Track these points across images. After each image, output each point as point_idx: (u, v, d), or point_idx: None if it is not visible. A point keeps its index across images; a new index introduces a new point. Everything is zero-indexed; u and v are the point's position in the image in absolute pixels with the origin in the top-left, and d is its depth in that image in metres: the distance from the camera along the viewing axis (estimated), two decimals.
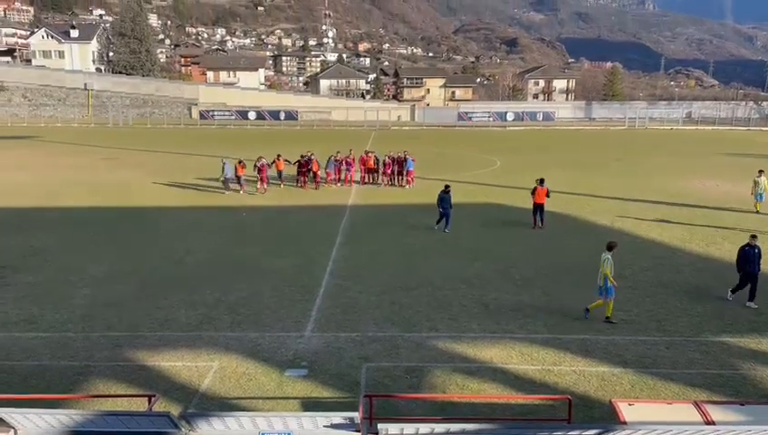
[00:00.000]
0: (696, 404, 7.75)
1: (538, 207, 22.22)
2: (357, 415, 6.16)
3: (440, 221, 21.55)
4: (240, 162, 29.27)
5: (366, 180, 32.04)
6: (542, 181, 22.43)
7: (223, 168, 29.07)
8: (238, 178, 28.97)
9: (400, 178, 31.21)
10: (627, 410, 7.49)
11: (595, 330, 13.16)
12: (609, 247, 13.86)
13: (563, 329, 13.22)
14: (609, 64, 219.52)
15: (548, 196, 22.35)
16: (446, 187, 21.67)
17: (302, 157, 30.76)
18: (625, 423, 7.12)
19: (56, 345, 12.23)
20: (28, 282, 16.09)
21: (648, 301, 15.01)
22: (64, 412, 6.21)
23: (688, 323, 13.63)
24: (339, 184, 31.18)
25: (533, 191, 22.27)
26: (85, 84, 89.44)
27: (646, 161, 42.78)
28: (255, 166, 29.20)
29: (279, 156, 31.04)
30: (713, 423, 7.18)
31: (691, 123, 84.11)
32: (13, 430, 6.15)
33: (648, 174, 36.43)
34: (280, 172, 30.78)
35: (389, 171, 31.25)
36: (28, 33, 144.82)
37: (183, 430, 6.14)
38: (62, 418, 6.13)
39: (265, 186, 29.12)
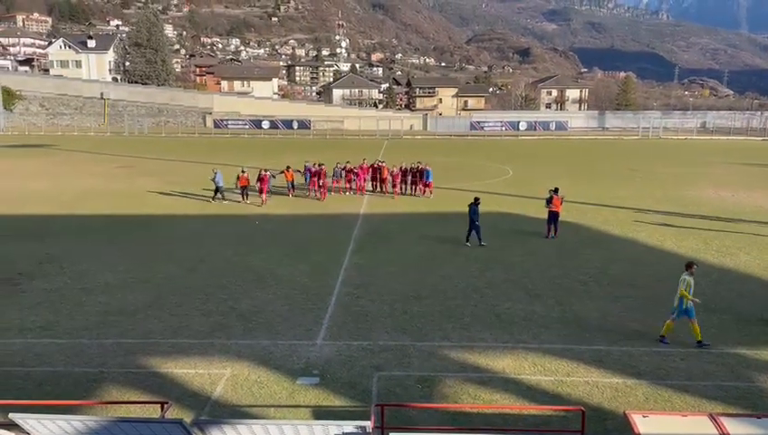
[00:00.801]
0: (712, 417, 7.64)
1: (553, 217, 22.12)
2: (368, 424, 6.14)
3: (469, 235, 21.07)
4: (243, 172, 29.17)
5: (376, 189, 31.99)
6: (556, 190, 22.36)
7: (215, 177, 28.95)
8: (243, 188, 28.88)
9: (414, 187, 30.99)
10: (641, 423, 7.40)
11: (608, 340, 13.05)
12: (688, 267, 13.26)
13: (577, 339, 13.12)
14: (622, 74, 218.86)
15: (561, 204, 22.24)
16: (476, 199, 21.28)
17: (306, 163, 30.80)
18: None
19: (71, 352, 12.33)
20: (44, 289, 16.25)
21: (662, 311, 14.83)
22: (78, 418, 6.25)
23: (704, 334, 13.44)
24: (348, 193, 31.14)
25: (549, 200, 22.18)
26: (101, 93, 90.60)
27: (660, 171, 42.50)
28: (258, 177, 28.84)
29: (288, 167, 31.01)
30: None
31: (706, 133, 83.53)
32: None
33: (663, 184, 36.18)
34: (291, 183, 30.77)
35: (398, 182, 30.95)
36: (46, 43, 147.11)
37: None
38: (77, 424, 6.17)
39: (265, 197, 28.56)
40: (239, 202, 28.73)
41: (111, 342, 12.83)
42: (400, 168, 31.21)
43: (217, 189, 29.08)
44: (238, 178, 29.09)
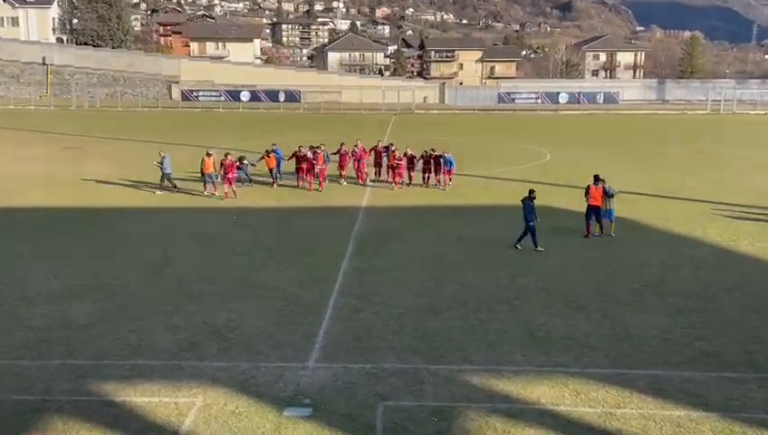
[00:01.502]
0: None
1: (593, 211, 22.10)
2: None
3: (523, 237, 20.81)
4: (209, 155, 28.71)
5: (379, 177, 31.97)
6: (596, 179, 22.30)
7: (161, 161, 28.86)
8: (208, 175, 28.37)
9: (427, 178, 30.70)
10: None
11: (669, 364, 13.05)
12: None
13: (629, 362, 13.12)
14: (687, 34, 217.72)
15: (608, 196, 22.15)
16: (531, 192, 20.95)
17: (299, 149, 30.44)
18: None
19: (7, 375, 12.40)
20: None
21: (735, 328, 14.84)
22: None
23: None
24: (344, 181, 31.23)
25: (587, 191, 22.17)
26: (44, 58, 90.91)
27: (734, 154, 42.36)
28: (222, 164, 28.04)
29: (268, 151, 30.94)
30: None
31: None
32: None
33: (738, 170, 36.07)
34: (271, 170, 30.82)
35: (403, 171, 30.63)
36: None
37: None
38: None
39: (234, 188, 27.94)
40: (202, 193, 28.66)
41: (57, 363, 12.90)
42: (405, 153, 30.87)
43: (164, 176, 29.08)
44: (203, 162, 28.61)
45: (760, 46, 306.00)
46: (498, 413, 11.24)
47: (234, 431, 10.67)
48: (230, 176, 27.76)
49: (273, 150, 31.11)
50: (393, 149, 31.19)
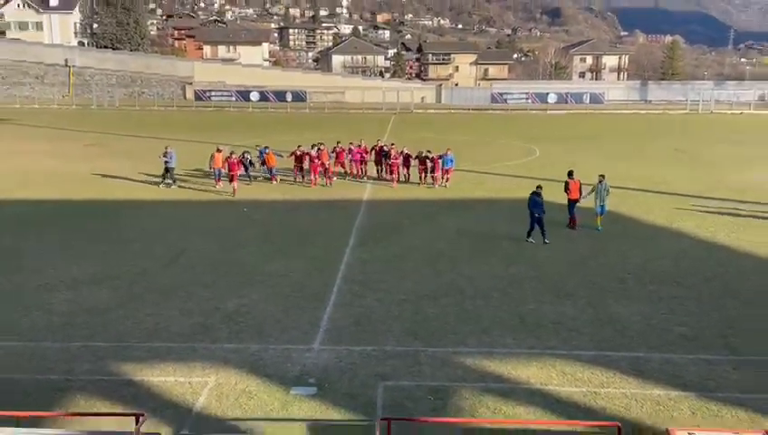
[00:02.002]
0: None
1: (571, 204, 22.15)
2: None
3: (532, 231, 20.49)
4: (219, 150, 28.60)
5: (381, 174, 31.53)
6: (571, 174, 22.40)
7: (165, 153, 28.63)
8: (217, 170, 28.34)
9: (424, 175, 29.74)
10: None
11: (650, 346, 13.07)
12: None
13: (612, 345, 13.14)
14: (668, 38, 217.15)
15: (605, 193, 22.10)
16: (539, 187, 20.59)
17: (298, 148, 30.07)
18: None
19: (33, 357, 12.44)
20: (1, 286, 16.37)
21: (712, 314, 14.85)
22: (42, 432, 6.33)
23: (761, 339, 13.45)
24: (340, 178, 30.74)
25: (567, 187, 22.15)
26: (66, 60, 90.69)
27: (711, 151, 42.31)
28: (226, 161, 27.70)
29: (268, 148, 30.53)
30: None
31: (765, 107, 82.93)
32: None
33: (714, 166, 36.03)
34: (271, 169, 30.26)
35: (396, 169, 30.02)
36: (1, 1, 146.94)
37: None
38: None
39: (236, 185, 27.30)
40: (214, 187, 28.54)
41: (79, 345, 12.94)
42: (401, 152, 30.47)
43: (167, 171, 28.79)
44: (212, 157, 28.65)
45: (736, 50, 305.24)
46: (490, 392, 11.27)
47: (244, 409, 10.70)
48: (234, 173, 27.24)
49: (267, 149, 30.59)
50: (389, 149, 30.96)
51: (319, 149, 29.82)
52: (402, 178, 30.27)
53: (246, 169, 29.31)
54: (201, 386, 11.38)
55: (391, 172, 30.13)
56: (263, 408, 10.74)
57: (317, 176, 29.54)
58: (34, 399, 10.76)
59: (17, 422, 7.66)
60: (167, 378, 11.66)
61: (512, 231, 21.39)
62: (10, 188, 28.39)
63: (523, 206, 21.04)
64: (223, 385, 11.44)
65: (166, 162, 28.69)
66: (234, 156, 27.74)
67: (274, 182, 29.98)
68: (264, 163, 30.54)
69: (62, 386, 11.33)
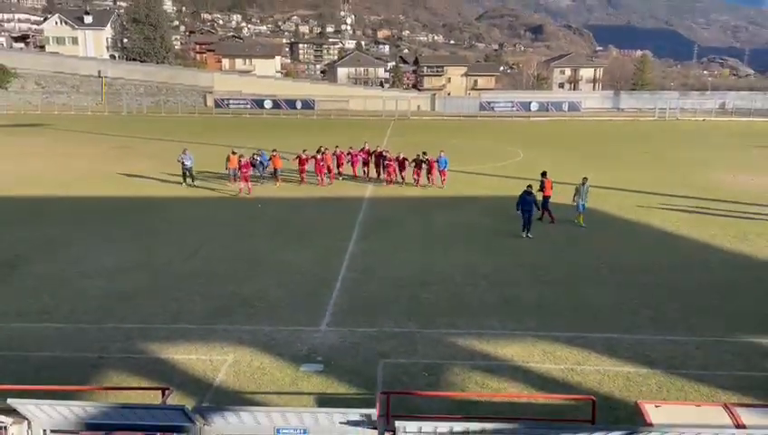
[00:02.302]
0: (726, 407, 7.68)
1: (548, 200, 22.29)
2: (374, 412, 6.20)
3: (527, 225, 20.32)
4: (234, 153, 28.49)
5: (380, 176, 30.72)
6: (545, 174, 22.65)
7: (183, 157, 28.39)
8: (233, 170, 28.07)
9: (418, 178, 28.82)
10: (653, 412, 7.44)
11: (621, 329, 13.08)
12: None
13: (588, 327, 13.16)
14: (638, 52, 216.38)
15: (584, 193, 22.10)
16: (529, 187, 20.47)
17: (304, 152, 29.45)
18: (651, 425, 7.07)
19: (70, 337, 12.46)
20: (41, 272, 16.38)
21: (677, 299, 14.86)
22: (78, 404, 6.33)
23: (720, 322, 13.47)
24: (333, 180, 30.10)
25: (542, 185, 22.24)
26: (99, 71, 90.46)
27: (676, 154, 42.25)
28: (239, 163, 27.47)
29: (275, 151, 30.17)
30: (743, 427, 7.11)
31: (725, 114, 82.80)
32: (26, 422, 6.28)
33: (679, 167, 35.98)
34: (275, 170, 29.29)
35: (393, 170, 29.57)
36: (41, 18, 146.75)
37: (197, 424, 6.23)
38: (77, 409, 6.25)
39: (249, 185, 27.08)
40: (230, 186, 28.33)
41: (111, 326, 12.95)
42: (397, 157, 29.51)
43: (186, 171, 28.59)
44: (228, 158, 28.57)
45: (700, 63, 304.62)
46: (478, 369, 11.29)
47: (258, 384, 10.72)
48: (246, 173, 26.92)
49: (260, 154, 29.99)
50: (387, 154, 30.28)
51: (323, 153, 29.59)
52: (399, 180, 29.94)
53: (255, 168, 28.96)
54: (220, 363, 11.40)
55: (388, 174, 29.92)
56: (275, 383, 10.77)
57: (322, 176, 29.43)
58: (72, 374, 10.78)
59: (56, 396, 7.67)
60: (189, 356, 11.68)
61: (498, 225, 21.38)
62: (53, 186, 28.36)
63: (501, 202, 21.06)
64: (240, 362, 11.46)
65: (183, 164, 28.48)
66: (244, 158, 27.56)
67: (278, 184, 29.15)
68: (264, 167, 29.93)
69: (96, 363, 11.36)
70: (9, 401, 6.30)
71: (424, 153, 29.11)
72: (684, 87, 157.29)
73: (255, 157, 29.39)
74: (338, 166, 30.91)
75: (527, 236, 20.11)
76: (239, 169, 27.30)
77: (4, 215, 22.79)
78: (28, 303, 14.22)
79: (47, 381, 10.24)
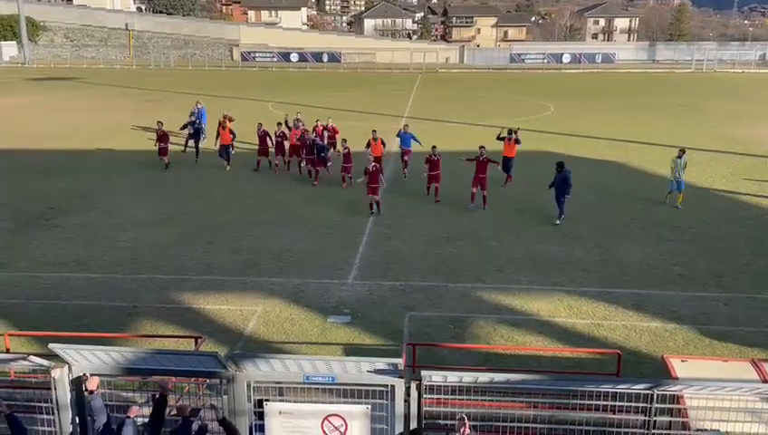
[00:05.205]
0: (754, 363, 7.68)
1: (509, 161, 20.44)
2: (400, 362, 6.32)
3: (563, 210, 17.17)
4: (227, 118, 23.61)
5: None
6: (511, 131, 20.89)
7: (195, 114, 25.59)
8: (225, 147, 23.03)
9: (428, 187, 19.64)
10: (679, 367, 7.48)
11: (649, 284, 13.02)
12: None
13: (615, 283, 13.13)
14: (676, 1, 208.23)
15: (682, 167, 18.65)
16: (561, 164, 17.22)
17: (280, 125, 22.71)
18: (677, 379, 7.11)
19: (105, 286, 12.85)
20: (76, 224, 16.80)
21: (707, 255, 14.70)
22: (116, 349, 6.58)
23: (750, 279, 13.32)
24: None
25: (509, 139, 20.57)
26: (126, 24, 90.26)
27: (713, 107, 41.02)
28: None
29: (227, 116, 24.12)
30: None
31: (766, 66, 79.81)
32: (67, 365, 6.56)
33: (716, 121, 34.99)
34: (227, 145, 23.03)
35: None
36: None
37: (230, 370, 6.44)
38: (115, 355, 6.50)
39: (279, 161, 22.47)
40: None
41: (144, 277, 13.31)
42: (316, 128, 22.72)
43: (197, 130, 24.90)
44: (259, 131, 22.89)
45: (740, 12, 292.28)
46: (504, 323, 11.39)
47: (287, 334, 10.98)
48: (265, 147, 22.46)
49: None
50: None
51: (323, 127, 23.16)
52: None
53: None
54: (250, 314, 11.68)
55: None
56: (304, 333, 11.02)
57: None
58: (108, 323, 11.16)
59: (94, 343, 7.96)
60: (221, 306, 11.98)
61: (524, 181, 21.14)
62: (84, 139, 28.76)
63: (530, 157, 20.64)
64: (269, 313, 11.72)
65: (195, 123, 24.82)
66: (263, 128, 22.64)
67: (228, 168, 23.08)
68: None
69: (130, 312, 11.72)
70: (51, 345, 6.58)
71: (433, 147, 19.72)
72: (723, 38, 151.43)
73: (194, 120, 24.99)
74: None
75: (558, 223, 16.99)
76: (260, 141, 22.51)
77: (38, 167, 23.25)
78: (65, 253, 14.64)
79: (85, 328, 10.63)
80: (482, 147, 18.38)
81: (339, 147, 21.85)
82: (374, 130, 21.11)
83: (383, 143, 21.11)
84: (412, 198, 19.48)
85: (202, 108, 27.88)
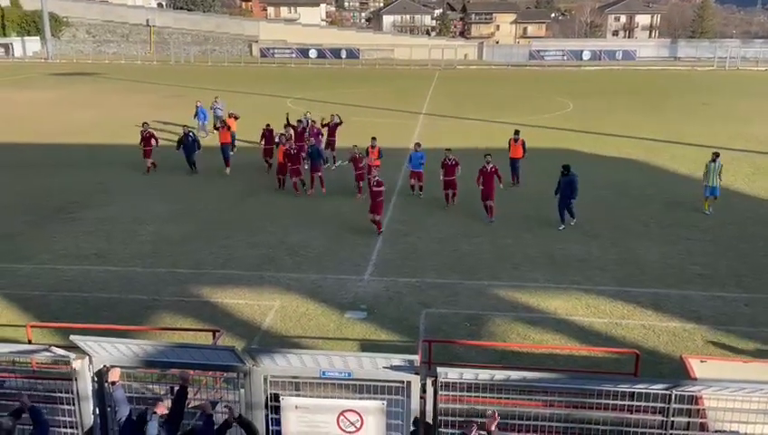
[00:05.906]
0: None
1: (516, 162, 20.51)
2: (416, 358, 6.32)
3: (570, 212, 16.60)
4: (232, 117, 23.52)
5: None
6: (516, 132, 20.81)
7: (214, 108, 26.64)
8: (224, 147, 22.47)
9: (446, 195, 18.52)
10: (698, 367, 7.38)
11: (668, 284, 12.89)
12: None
13: (633, 282, 13.01)
14: None
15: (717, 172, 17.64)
16: (566, 167, 16.43)
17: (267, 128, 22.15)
18: (695, 380, 7.03)
19: (125, 280, 13.00)
20: (97, 217, 17.01)
21: (727, 255, 14.51)
22: (136, 342, 6.66)
23: None
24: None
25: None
26: (147, 20, 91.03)
27: (736, 106, 40.41)
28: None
29: (232, 114, 24.17)
30: None
31: None
32: (88, 357, 6.65)
33: (738, 120, 34.48)
34: (226, 146, 22.56)
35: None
36: None
37: (247, 364, 6.48)
38: (134, 347, 6.57)
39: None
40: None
41: (164, 271, 13.45)
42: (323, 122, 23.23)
43: (216, 120, 24.45)
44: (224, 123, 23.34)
45: (764, 9, 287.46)
46: (521, 321, 11.35)
47: (304, 329, 11.04)
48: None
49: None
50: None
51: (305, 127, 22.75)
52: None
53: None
54: (268, 308, 11.76)
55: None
56: (320, 328, 11.06)
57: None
58: (128, 315, 11.30)
59: (114, 335, 8.07)
60: (239, 301, 12.07)
61: (541, 179, 20.97)
62: (106, 134, 29.08)
63: (548, 154, 20.45)
64: (286, 308, 11.79)
65: (186, 137, 22.18)
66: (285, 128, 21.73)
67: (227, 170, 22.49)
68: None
69: (150, 305, 11.86)
70: (72, 337, 6.67)
71: (447, 150, 19.29)
72: (746, 35, 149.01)
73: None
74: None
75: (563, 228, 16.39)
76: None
77: (60, 162, 23.56)
78: (86, 247, 14.84)
79: (105, 321, 10.77)
80: (488, 154, 17.65)
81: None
82: (373, 138, 20.13)
83: (380, 153, 19.98)
84: (428, 196, 19.42)
85: (201, 106, 28.02)
